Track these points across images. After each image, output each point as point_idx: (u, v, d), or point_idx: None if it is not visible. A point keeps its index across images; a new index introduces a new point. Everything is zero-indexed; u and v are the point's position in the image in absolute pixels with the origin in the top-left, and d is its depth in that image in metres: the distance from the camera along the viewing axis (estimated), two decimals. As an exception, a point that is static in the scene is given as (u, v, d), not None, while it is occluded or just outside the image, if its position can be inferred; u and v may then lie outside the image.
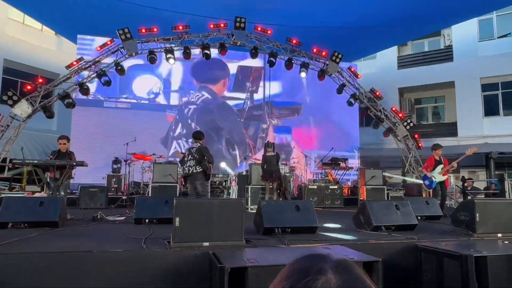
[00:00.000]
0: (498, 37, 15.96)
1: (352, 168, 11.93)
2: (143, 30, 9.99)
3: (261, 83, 14.75)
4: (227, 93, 14.45)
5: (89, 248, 3.29)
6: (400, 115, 11.80)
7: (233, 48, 11.19)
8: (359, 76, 11.89)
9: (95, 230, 4.82)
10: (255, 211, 4.91)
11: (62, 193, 6.23)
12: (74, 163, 6.12)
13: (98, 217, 5.63)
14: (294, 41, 10.94)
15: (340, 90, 11.60)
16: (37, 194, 7.57)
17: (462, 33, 16.31)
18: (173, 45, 10.39)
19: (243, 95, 14.58)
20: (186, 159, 6.74)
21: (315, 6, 11.04)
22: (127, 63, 10.76)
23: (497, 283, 3.06)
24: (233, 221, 3.60)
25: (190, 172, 6.56)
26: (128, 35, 9.81)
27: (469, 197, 10.09)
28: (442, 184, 7.44)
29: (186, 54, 10.40)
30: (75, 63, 9.78)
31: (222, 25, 10.39)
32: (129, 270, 3.08)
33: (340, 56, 11.20)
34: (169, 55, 10.32)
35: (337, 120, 14.87)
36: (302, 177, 12.07)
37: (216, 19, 10.56)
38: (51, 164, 5.94)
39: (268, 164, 8.06)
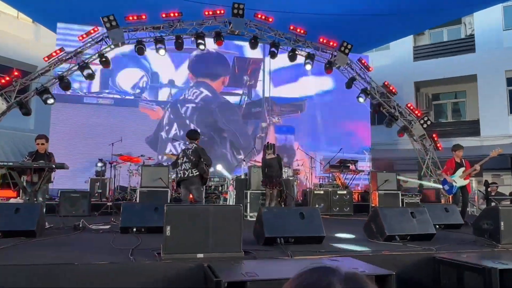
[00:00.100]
0: (525, 26, 16.02)
1: (362, 171, 11.91)
2: (131, 18, 9.99)
3: (260, 77, 14.70)
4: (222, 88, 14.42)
5: (70, 260, 3.29)
6: (417, 112, 11.82)
7: (230, 38, 11.17)
8: (370, 69, 11.91)
9: (77, 239, 4.84)
10: (254, 219, 4.92)
11: (40, 198, 6.25)
12: (54, 166, 6.12)
13: (80, 225, 5.64)
14: (298, 30, 10.95)
15: (349, 85, 11.60)
16: (12, 200, 7.57)
17: (485, 21, 16.30)
18: (163, 34, 10.41)
19: (239, 90, 14.51)
20: (180, 161, 6.62)
21: (322, -9, 11.09)
22: (111, 54, 10.76)
23: (524, 299, 3.06)
24: (230, 230, 3.61)
25: (185, 176, 6.50)
26: (114, 23, 9.80)
27: (493, 204, 10.09)
28: (463, 189, 7.46)
29: (178, 44, 10.41)
30: (54, 54, 9.79)
31: (219, 12, 10.37)
32: (114, 284, 3.08)
33: (349, 46, 11.20)
34: (159, 45, 10.32)
35: (345, 118, 14.84)
36: (307, 181, 12.05)
37: (211, 5, 10.56)
38: (28, 167, 5.94)
39: (269, 169, 8.05)
